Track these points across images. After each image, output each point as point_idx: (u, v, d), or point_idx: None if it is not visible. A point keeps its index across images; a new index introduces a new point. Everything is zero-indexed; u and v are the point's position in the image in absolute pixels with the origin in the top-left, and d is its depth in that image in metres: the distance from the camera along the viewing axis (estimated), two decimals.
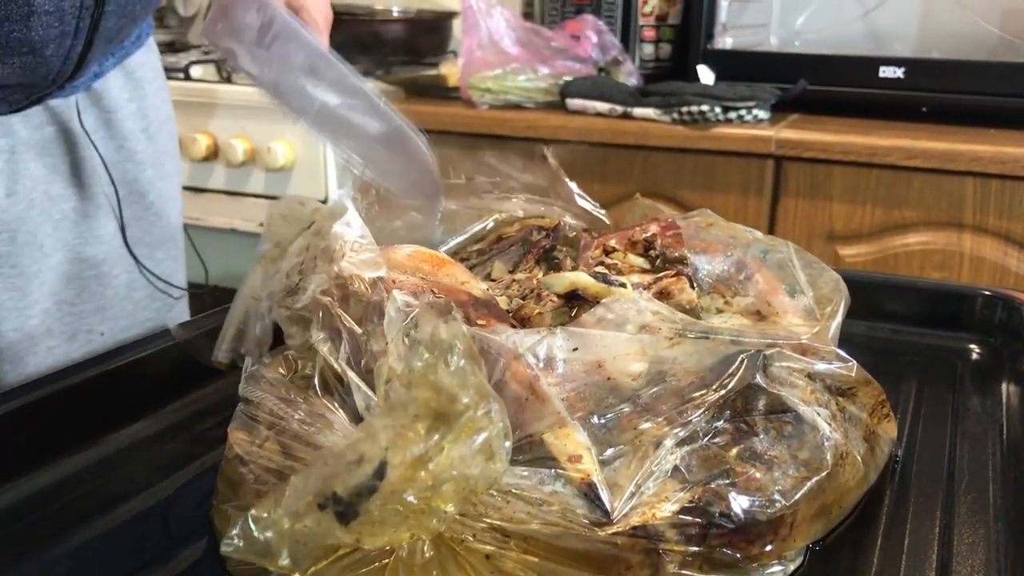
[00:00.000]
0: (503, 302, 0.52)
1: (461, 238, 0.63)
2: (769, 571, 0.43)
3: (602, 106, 1.51)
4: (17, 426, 0.54)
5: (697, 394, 0.43)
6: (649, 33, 1.69)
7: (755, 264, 0.55)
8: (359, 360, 0.44)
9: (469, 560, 0.39)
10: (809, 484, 0.43)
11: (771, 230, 1.43)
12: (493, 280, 0.58)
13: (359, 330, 0.45)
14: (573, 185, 0.62)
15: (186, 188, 1.75)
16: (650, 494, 0.40)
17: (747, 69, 1.55)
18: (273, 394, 0.45)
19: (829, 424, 0.46)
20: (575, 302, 0.50)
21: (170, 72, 1.78)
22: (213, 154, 1.72)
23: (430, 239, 0.61)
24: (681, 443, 0.42)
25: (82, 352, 0.76)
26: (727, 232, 0.58)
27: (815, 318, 0.51)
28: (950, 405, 0.62)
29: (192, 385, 0.62)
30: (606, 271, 0.53)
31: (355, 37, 1.88)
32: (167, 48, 2.13)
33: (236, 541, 0.34)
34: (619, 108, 1.49)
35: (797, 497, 0.43)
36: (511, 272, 0.59)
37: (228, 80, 1.76)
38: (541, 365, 0.42)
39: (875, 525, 0.48)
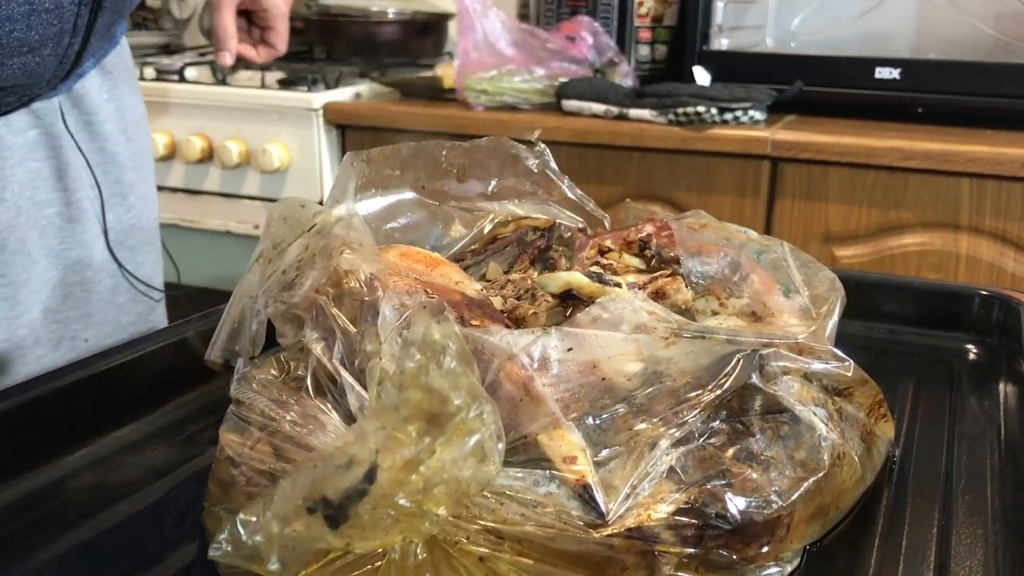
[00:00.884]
0: (497, 302, 0.51)
1: (459, 246, 0.62)
2: (766, 573, 0.42)
3: (598, 107, 1.51)
4: (9, 429, 0.53)
5: (693, 394, 0.42)
6: (645, 34, 1.69)
7: (750, 264, 0.55)
8: (352, 360, 0.44)
9: (463, 563, 0.39)
10: (806, 485, 0.43)
11: (767, 231, 1.43)
12: (488, 281, 0.58)
13: (353, 329, 0.44)
14: (565, 180, 0.62)
15: (181, 190, 1.77)
16: (646, 495, 0.40)
17: (743, 70, 1.55)
18: (265, 395, 0.45)
19: (826, 424, 0.45)
20: (570, 302, 0.49)
21: (165, 74, 1.79)
22: (208, 156, 1.71)
23: (425, 240, 0.61)
24: (677, 444, 0.42)
25: (68, 359, 0.75)
26: (721, 233, 0.57)
27: (811, 317, 0.51)
28: (947, 405, 0.61)
29: (183, 387, 0.62)
30: (601, 271, 0.53)
31: (350, 38, 1.88)
32: (162, 50, 2.12)
33: (224, 545, 0.33)
34: (615, 109, 1.49)
35: (794, 498, 0.42)
36: (506, 272, 0.59)
37: (223, 82, 1.76)
38: (535, 365, 0.41)
39: (872, 526, 0.47)
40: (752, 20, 1.67)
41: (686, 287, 0.51)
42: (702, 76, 1.57)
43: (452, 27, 1.96)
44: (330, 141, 1.67)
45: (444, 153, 0.61)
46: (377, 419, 0.34)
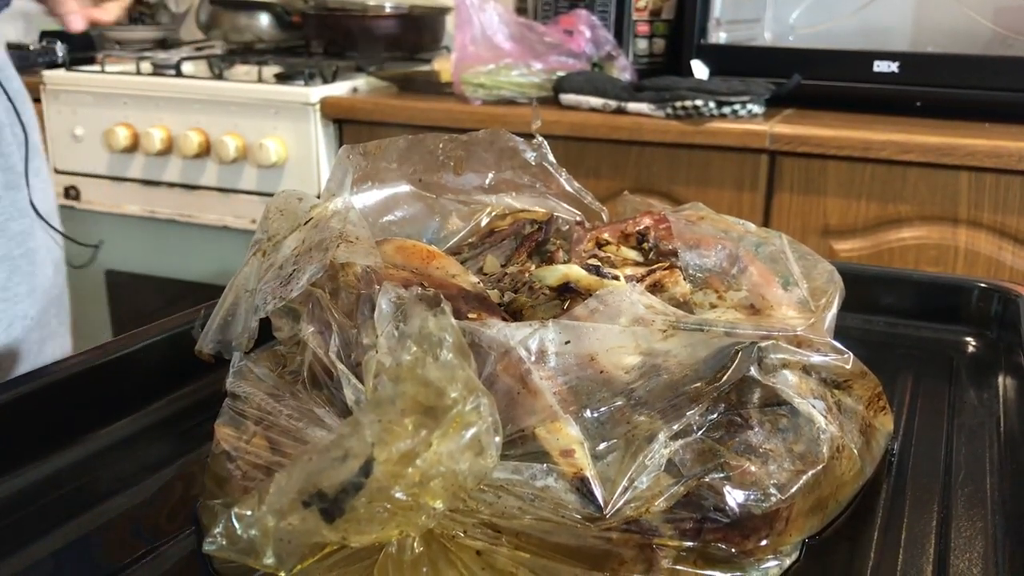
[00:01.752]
0: (495, 295, 0.51)
1: (456, 239, 0.62)
2: (765, 566, 0.42)
3: (596, 101, 1.50)
4: (3, 424, 0.53)
5: (691, 387, 0.42)
6: (643, 28, 1.69)
7: (748, 257, 0.55)
8: (349, 353, 0.43)
9: (460, 556, 0.38)
10: (805, 478, 0.43)
11: (766, 225, 1.42)
12: (485, 274, 0.57)
13: (349, 323, 0.44)
14: (563, 173, 0.62)
15: (178, 185, 1.76)
16: (644, 488, 0.40)
17: (741, 64, 1.55)
18: (261, 389, 0.45)
19: (825, 417, 0.45)
20: (567, 295, 0.49)
21: (162, 69, 1.78)
22: (205, 151, 1.71)
23: (422, 233, 0.61)
24: (675, 437, 0.42)
25: (13, 339, 0.72)
26: (719, 225, 0.57)
27: (810, 310, 0.51)
28: (946, 398, 0.61)
29: (179, 381, 0.61)
30: (599, 264, 0.53)
31: (348, 33, 1.87)
32: (159, 45, 2.12)
33: (220, 539, 0.33)
34: (613, 103, 1.49)
35: (793, 491, 0.42)
36: (503, 266, 0.58)
37: (220, 77, 1.76)
38: (533, 358, 0.41)
39: (872, 519, 0.47)
40: (750, 14, 1.67)
41: (684, 280, 0.51)
42: (700, 70, 1.57)
43: (449, 21, 1.96)
44: (327, 135, 1.67)
45: (441, 146, 0.61)
46: (373, 412, 0.33)
